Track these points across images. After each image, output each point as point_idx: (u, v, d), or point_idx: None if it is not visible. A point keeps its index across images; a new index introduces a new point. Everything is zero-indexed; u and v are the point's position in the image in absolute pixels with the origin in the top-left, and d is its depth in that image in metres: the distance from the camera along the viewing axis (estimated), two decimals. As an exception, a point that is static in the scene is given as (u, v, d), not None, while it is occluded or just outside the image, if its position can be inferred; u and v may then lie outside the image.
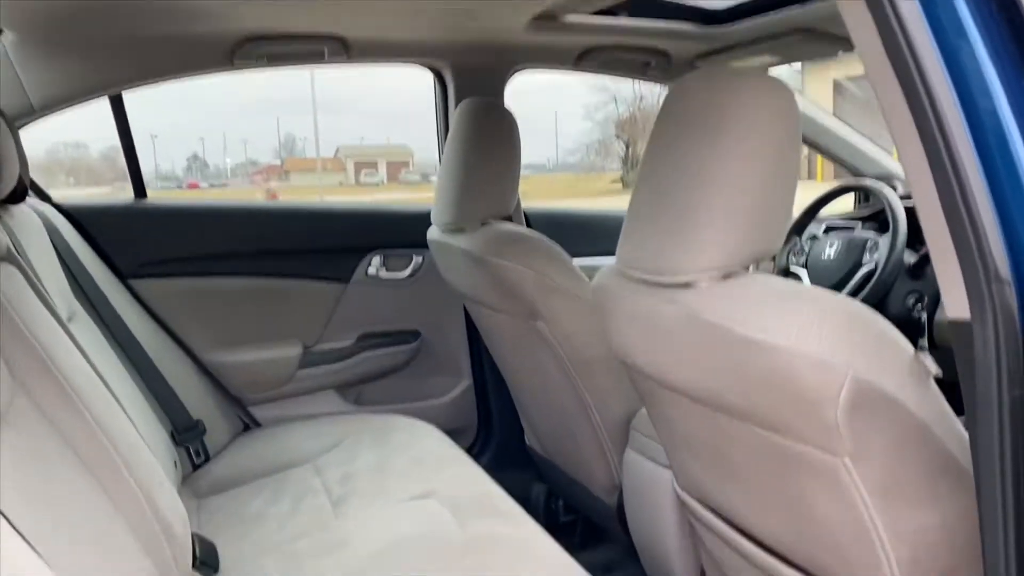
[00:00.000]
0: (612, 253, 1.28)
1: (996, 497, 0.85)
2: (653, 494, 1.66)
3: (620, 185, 15.39)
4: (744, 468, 1.19)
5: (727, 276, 1.09)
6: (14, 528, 0.71)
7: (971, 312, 0.83)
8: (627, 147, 17.41)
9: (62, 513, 1.05)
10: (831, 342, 0.95)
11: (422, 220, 2.18)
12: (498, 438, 2.54)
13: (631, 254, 1.20)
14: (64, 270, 1.85)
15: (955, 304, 0.85)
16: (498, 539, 1.47)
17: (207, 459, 2.05)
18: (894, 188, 2.05)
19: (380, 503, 1.69)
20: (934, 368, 0.98)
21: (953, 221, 0.83)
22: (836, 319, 0.96)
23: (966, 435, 1.01)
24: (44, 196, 2.13)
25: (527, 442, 2.33)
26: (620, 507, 1.85)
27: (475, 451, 2.52)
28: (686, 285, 1.10)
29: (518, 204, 2.37)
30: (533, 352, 1.88)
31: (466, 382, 2.53)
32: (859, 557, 1.05)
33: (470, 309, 2.16)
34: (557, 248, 1.77)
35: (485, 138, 1.91)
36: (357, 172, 21.73)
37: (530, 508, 1.61)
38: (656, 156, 1.18)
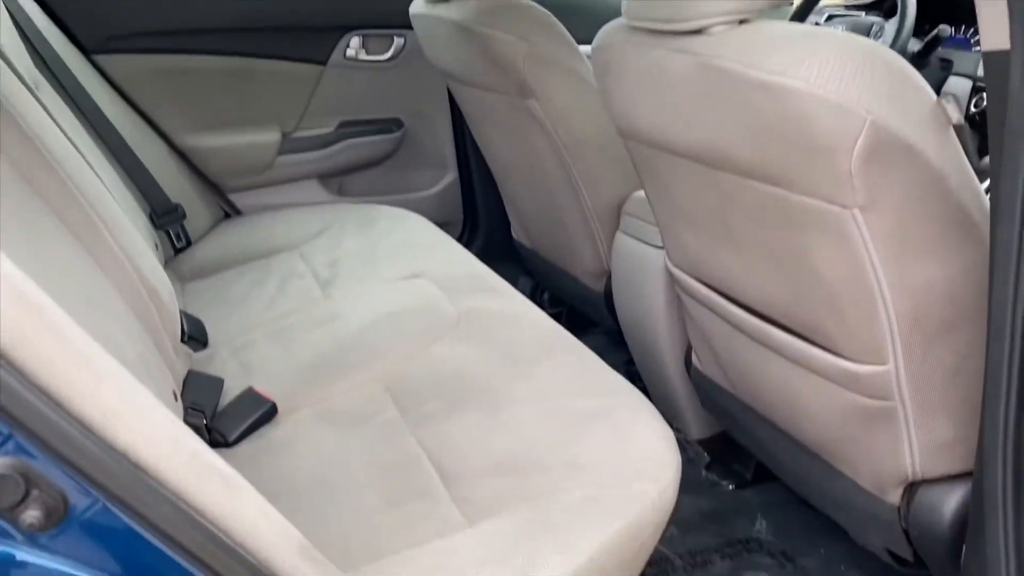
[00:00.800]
0: None
1: (1012, 240, 0.83)
2: (642, 275, 1.66)
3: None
4: (744, 231, 1.16)
5: (743, 21, 1.02)
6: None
7: (1012, 38, 0.77)
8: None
9: (50, 267, 1.01)
10: (851, 84, 0.89)
11: None
12: (484, 232, 2.51)
13: (639, 2, 1.12)
14: (23, 40, 1.71)
15: (994, 34, 0.80)
16: (491, 312, 1.47)
17: (188, 244, 2.01)
18: None
19: (369, 284, 1.68)
20: (955, 116, 0.93)
21: None
22: (857, 60, 0.90)
23: (981, 189, 0.99)
24: None
25: (514, 236, 2.30)
26: (608, 293, 1.86)
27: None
28: (699, 31, 1.04)
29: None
30: (523, 134, 1.81)
31: (451, 175, 2.47)
32: (857, 313, 1.05)
33: (456, 92, 2.05)
34: (552, 18, 1.66)
35: None
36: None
37: None
38: None
